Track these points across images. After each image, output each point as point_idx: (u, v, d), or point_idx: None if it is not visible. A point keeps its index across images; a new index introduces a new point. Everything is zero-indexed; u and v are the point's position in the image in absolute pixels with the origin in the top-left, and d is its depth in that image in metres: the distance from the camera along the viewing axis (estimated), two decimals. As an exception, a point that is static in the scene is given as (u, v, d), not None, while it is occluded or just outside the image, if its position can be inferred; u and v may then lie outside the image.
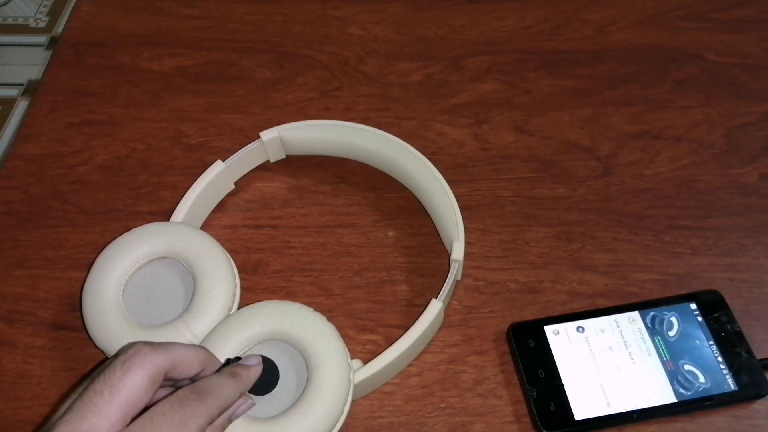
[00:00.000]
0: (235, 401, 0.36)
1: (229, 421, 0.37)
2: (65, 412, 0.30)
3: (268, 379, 0.39)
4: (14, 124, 1.42)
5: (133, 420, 0.30)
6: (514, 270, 0.49)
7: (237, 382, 0.36)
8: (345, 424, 0.41)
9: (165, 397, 0.32)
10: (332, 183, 0.54)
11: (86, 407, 0.29)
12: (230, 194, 0.54)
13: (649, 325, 0.45)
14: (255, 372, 0.38)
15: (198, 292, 0.44)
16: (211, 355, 0.37)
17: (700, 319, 0.46)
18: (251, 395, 0.39)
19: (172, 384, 0.36)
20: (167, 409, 0.31)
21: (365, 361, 0.42)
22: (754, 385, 0.43)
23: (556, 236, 0.51)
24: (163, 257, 0.46)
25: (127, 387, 0.30)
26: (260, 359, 0.39)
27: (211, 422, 0.33)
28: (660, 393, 0.43)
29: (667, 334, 0.45)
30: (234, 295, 0.45)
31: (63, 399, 0.32)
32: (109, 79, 0.61)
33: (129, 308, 0.44)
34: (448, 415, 0.43)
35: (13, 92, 1.48)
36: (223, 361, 0.38)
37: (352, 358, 0.42)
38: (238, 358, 0.39)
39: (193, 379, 0.35)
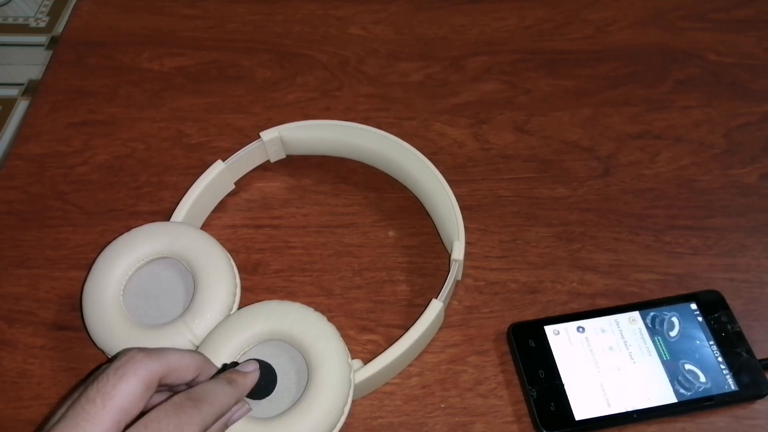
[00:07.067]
0: (231, 408, 0.36)
1: (226, 426, 0.37)
2: (58, 420, 0.30)
3: (265, 384, 0.39)
4: (14, 124, 1.42)
5: (127, 427, 0.30)
6: (514, 270, 0.49)
7: (233, 389, 0.36)
8: (345, 424, 0.41)
9: (160, 403, 0.32)
10: (332, 183, 0.54)
11: (79, 415, 0.29)
12: (230, 194, 0.54)
13: (650, 325, 0.45)
14: (252, 379, 0.37)
15: (198, 292, 0.44)
16: (206, 361, 0.37)
17: (700, 319, 0.46)
18: (248, 400, 0.38)
19: (169, 389, 0.36)
20: (162, 416, 0.31)
21: (365, 361, 0.42)
22: (755, 385, 0.43)
23: (556, 236, 0.51)
24: (164, 257, 0.46)
25: (120, 394, 0.30)
26: (257, 365, 0.38)
27: (206, 429, 0.33)
28: (660, 393, 0.43)
29: (668, 334, 0.45)
30: (234, 295, 0.45)
31: (58, 405, 0.32)
32: (110, 79, 0.62)
33: (129, 308, 0.44)
34: (449, 415, 0.43)
35: (13, 92, 1.48)
36: (219, 366, 0.38)
37: (352, 358, 0.42)
38: (235, 363, 0.38)
39: (190, 385, 0.35)
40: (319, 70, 0.62)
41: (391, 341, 0.43)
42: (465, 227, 0.47)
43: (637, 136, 0.57)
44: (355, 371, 0.41)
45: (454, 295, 0.48)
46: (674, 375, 0.43)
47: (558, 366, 0.44)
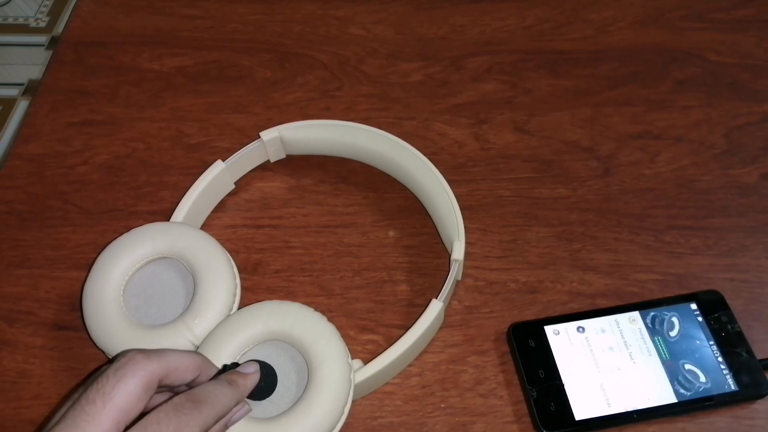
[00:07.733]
0: (231, 409, 0.36)
1: (226, 427, 0.37)
2: (58, 421, 0.30)
3: (265, 384, 0.39)
4: (15, 124, 1.42)
5: (127, 428, 0.30)
6: (514, 270, 0.49)
7: (233, 390, 0.36)
8: (345, 424, 0.41)
9: (161, 404, 0.32)
10: (333, 183, 0.54)
11: (79, 416, 0.29)
12: (230, 194, 0.54)
13: (650, 325, 0.45)
14: (252, 380, 0.38)
15: (198, 292, 0.44)
16: (206, 361, 0.37)
17: (700, 319, 0.46)
18: (248, 400, 0.38)
19: (170, 390, 0.36)
20: (162, 417, 0.31)
21: (366, 361, 0.42)
22: (755, 385, 0.43)
23: (556, 236, 0.51)
24: (164, 257, 0.46)
25: (120, 395, 0.30)
26: (257, 366, 0.38)
27: (206, 430, 0.33)
28: (660, 393, 0.43)
29: (668, 334, 0.45)
30: (234, 295, 0.45)
31: (58, 406, 0.32)
32: (110, 79, 0.62)
33: (129, 308, 0.44)
34: (449, 415, 0.43)
35: (13, 92, 1.48)
36: (219, 366, 0.38)
37: (352, 358, 0.42)
38: (235, 364, 0.38)
39: (190, 386, 0.35)
40: (319, 70, 0.62)
41: (391, 341, 0.43)
42: (465, 227, 0.47)
43: (637, 136, 0.57)
44: (355, 371, 0.41)
45: (454, 295, 0.48)
46: (674, 375, 0.43)
47: (558, 366, 0.44)
